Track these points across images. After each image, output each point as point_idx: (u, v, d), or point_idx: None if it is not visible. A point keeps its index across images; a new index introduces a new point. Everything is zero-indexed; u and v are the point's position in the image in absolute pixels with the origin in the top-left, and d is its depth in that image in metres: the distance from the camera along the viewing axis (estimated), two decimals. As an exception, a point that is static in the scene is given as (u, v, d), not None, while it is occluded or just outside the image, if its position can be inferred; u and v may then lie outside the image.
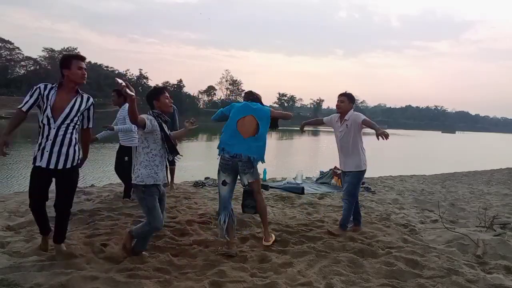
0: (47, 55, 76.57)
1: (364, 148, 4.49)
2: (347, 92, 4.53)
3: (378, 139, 3.91)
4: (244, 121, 3.77)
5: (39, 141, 3.08)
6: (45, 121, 3.06)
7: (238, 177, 3.92)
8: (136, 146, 5.73)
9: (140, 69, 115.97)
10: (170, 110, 3.41)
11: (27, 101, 3.03)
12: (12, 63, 72.69)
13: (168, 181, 6.77)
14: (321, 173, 8.93)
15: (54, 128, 3.06)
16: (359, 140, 4.41)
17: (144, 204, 3.24)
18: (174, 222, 4.58)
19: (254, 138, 3.75)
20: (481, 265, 3.62)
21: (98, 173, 11.54)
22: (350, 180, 4.43)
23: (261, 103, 4.02)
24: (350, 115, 4.42)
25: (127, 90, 2.87)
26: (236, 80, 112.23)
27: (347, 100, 4.47)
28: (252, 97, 4.05)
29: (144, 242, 3.41)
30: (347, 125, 4.40)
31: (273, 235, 4.09)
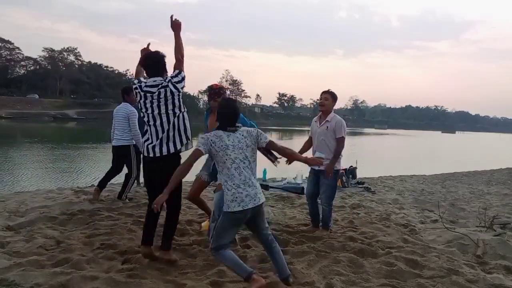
0: (47, 55, 76.58)
1: (342, 154, 4.39)
2: (331, 90, 4.42)
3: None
4: None
5: None
6: None
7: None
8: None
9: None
10: None
11: None
12: (12, 63, 72.73)
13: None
14: (321, 173, 8.93)
15: None
16: (333, 143, 4.32)
17: None
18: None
19: None
20: (481, 265, 3.62)
21: (98, 173, 11.54)
22: (329, 183, 4.33)
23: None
24: (333, 118, 4.32)
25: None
26: (236, 80, 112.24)
27: (331, 98, 4.36)
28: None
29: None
30: (327, 127, 4.30)
31: None
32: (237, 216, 2.73)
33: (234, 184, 2.71)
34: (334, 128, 4.28)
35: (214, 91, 3.86)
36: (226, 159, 2.73)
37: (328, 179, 4.29)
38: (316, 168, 4.38)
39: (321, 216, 4.49)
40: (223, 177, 2.77)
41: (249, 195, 2.70)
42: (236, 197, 2.68)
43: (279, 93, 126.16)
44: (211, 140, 2.75)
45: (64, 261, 3.15)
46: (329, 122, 4.32)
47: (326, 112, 4.37)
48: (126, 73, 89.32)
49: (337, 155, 4.28)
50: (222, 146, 2.73)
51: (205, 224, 4.11)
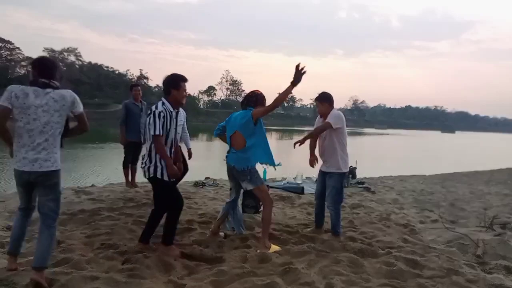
0: (47, 55, 76.61)
1: (346, 153, 4.25)
2: (321, 93, 4.29)
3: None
4: (235, 136, 3.84)
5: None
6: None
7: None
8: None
9: (140, 69, 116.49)
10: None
11: None
12: (12, 63, 72.70)
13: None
14: (321, 173, 8.92)
15: None
16: (336, 142, 4.18)
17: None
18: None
19: (243, 150, 3.80)
20: (481, 265, 3.62)
21: (98, 173, 11.55)
22: (334, 185, 4.22)
23: (257, 104, 3.88)
24: (330, 115, 4.18)
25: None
26: (236, 80, 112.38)
27: (319, 103, 4.27)
28: (246, 101, 3.95)
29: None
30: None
31: (270, 245, 3.80)
32: (16, 174, 2.74)
33: (20, 144, 2.67)
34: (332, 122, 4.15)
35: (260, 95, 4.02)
36: (23, 117, 2.63)
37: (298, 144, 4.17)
38: (324, 169, 4.36)
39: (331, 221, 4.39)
40: (16, 132, 2.67)
41: (27, 158, 2.65)
42: (16, 155, 2.69)
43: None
44: (15, 94, 2.61)
45: (64, 261, 3.15)
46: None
47: (325, 116, 4.26)
48: (126, 73, 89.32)
49: (318, 129, 4.20)
50: (24, 104, 2.61)
51: (272, 247, 3.82)
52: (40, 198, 2.82)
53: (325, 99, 4.27)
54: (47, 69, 2.75)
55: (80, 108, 2.85)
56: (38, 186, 2.77)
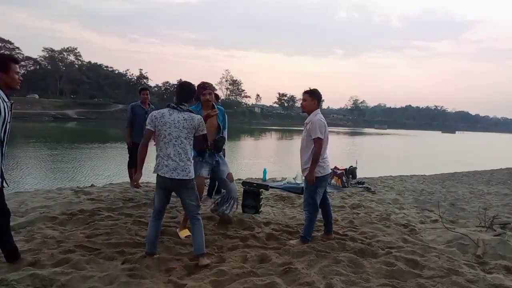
0: (47, 55, 76.57)
1: (324, 159, 3.99)
2: (311, 88, 4.12)
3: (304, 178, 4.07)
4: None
5: None
6: None
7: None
8: None
9: (140, 69, 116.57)
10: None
11: None
12: (12, 63, 72.65)
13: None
14: (321, 173, 8.91)
15: None
16: (312, 146, 3.96)
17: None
18: (174, 222, 4.58)
19: None
20: (481, 265, 3.62)
21: (98, 173, 11.55)
22: (306, 187, 4.06)
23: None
24: (311, 119, 4.00)
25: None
26: (236, 80, 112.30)
27: (309, 97, 4.06)
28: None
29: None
30: (306, 129, 4.05)
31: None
32: (159, 180, 3.28)
33: (161, 154, 3.25)
34: (310, 128, 4.01)
35: (199, 85, 4.19)
36: (162, 133, 3.24)
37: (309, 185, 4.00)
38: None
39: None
40: (159, 146, 3.29)
41: (168, 166, 3.21)
42: (159, 165, 3.25)
43: (279, 93, 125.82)
44: (155, 116, 3.28)
45: (64, 261, 3.15)
46: (308, 124, 4.07)
47: (308, 113, 4.11)
48: (126, 73, 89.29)
49: (315, 158, 3.89)
50: (162, 122, 3.24)
51: (182, 232, 4.09)
52: (184, 200, 3.36)
53: (316, 96, 4.09)
54: (177, 94, 3.35)
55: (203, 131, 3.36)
56: (179, 190, 3.32)
